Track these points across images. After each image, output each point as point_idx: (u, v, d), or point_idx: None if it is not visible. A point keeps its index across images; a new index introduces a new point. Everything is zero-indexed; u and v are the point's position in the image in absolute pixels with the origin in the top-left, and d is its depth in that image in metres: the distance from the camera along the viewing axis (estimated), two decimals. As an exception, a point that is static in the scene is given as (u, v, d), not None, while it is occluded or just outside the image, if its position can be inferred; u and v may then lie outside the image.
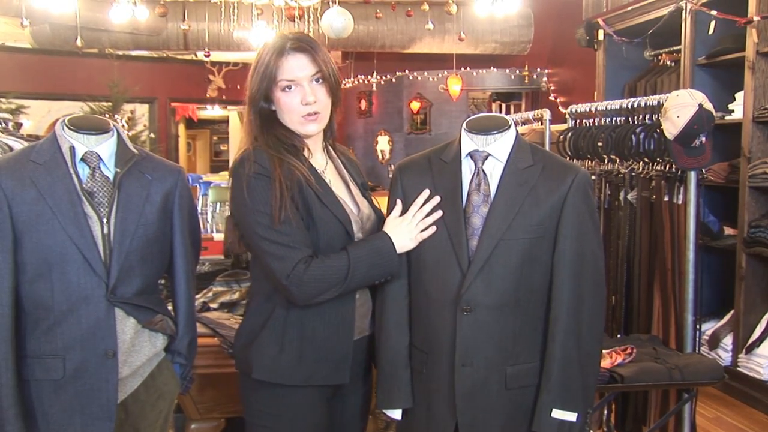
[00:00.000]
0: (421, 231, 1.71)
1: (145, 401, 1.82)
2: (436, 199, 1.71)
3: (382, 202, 1.93)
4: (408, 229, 1.71)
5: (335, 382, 1.77)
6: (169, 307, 1.91)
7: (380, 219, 1.84)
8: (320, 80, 1.76)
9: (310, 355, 1.72)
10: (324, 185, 1.76)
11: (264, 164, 1.68)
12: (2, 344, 1.63)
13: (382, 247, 1.69)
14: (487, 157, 1.69)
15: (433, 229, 1.71)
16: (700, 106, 2.52)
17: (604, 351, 2.39)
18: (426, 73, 8.61)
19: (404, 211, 1.74)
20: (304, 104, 1.74)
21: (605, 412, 2.98)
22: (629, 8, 5.18)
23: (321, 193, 1.72)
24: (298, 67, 1.74)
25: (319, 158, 1.83)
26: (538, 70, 8.26)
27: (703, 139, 2.56)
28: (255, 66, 1.76)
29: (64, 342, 1.67)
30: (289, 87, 1.74)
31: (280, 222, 1.64)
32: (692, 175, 2.62)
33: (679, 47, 4.74)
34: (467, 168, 1.71)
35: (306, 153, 1.78)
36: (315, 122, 1.77)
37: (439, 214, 1.70)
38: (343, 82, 9.66)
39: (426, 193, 1.73)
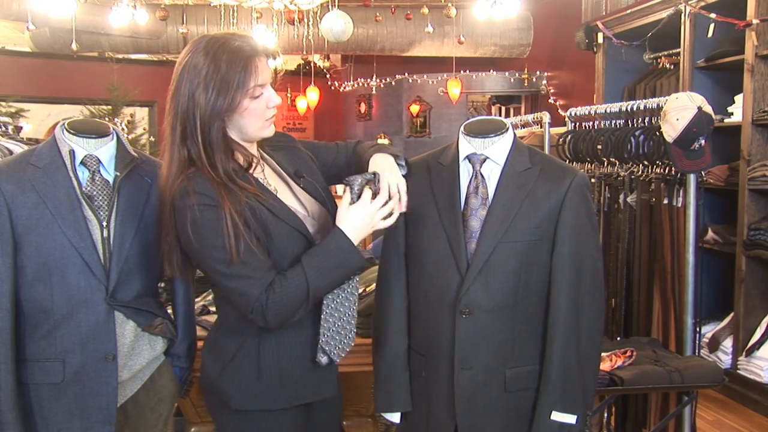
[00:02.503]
0: (384, 218, 1.60)
1: (144, 405, 1.82)
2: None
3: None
4: (362, 216, 1.57)
5: (324, 396, 1.72)
6: (169, 311, 1.91)
7: (328, 209, 1.71)
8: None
9: (290, 376, 1.65)
10: (274, 197, 1.63)
11: (209, 193, 1.52)
12: (2, 347, 1.63)
13: (337, 247, 1.56)
14: (484, 160, 1.69)
15: (396, 216, 1.61)
16: (700, 108, 2.52)
17: (604, 354, 2.39)
18: (425, 76, 8.63)
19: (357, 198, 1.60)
20: (269, 107, 1.63)
21: (605, 414, 2.98)
22: (628, 11, 5.19)
23: (274, 208, 1.60)
24: (266, 69, 1.60)
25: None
26: (538, 73, 8.27)
27: (703, 141, 2.56)
28: (209, 76, 1.53)
29: (63, 345, 1.67)
30: (259, 92, 1.59)
31: (238, 256, 1.51)
32: (692, 178, 2.62)
33: (678, 50, 4.75)
34: (465, 171, 1.71)
35: (254, 165, 1.64)
36: (272, 124, 1.68)
37: (405, 202, 1.61)
38: (343, 85, 9.71)
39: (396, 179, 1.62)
